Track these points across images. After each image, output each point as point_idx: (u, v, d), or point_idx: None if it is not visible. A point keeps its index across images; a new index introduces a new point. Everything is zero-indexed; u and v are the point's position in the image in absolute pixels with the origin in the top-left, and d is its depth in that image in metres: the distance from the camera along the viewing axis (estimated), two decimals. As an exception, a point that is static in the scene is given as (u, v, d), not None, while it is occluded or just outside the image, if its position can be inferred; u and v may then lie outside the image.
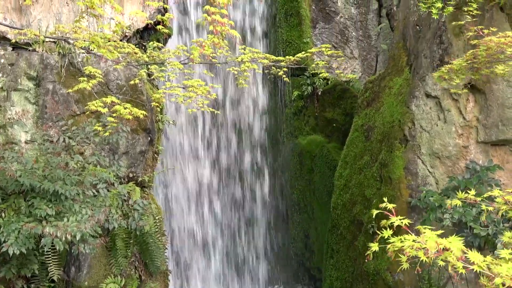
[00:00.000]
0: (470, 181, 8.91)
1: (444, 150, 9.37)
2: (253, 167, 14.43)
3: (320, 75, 8.83)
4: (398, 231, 4.13)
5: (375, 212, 4.22)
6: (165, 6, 6.50)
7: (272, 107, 14.39)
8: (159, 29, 7.19)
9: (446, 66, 8.02)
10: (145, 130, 10.01)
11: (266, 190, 14.58)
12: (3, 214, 7.84)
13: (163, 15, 9.50)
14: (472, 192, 5.00)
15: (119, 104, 7.03)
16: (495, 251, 7.79)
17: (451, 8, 7.84)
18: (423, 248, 3.45)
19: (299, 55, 8.26)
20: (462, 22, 8.32)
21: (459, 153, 9.35)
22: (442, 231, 3.95)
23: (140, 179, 10.05)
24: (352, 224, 10.83)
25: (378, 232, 3.93)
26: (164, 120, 10.89)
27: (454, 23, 8.87)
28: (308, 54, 8.41)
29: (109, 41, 6.76)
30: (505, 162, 9.38)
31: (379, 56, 14.13)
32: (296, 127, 14.10)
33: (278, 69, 8.40)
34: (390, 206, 3.99)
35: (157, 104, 9.14)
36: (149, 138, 10.11)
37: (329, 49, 8.55)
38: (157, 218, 10.04)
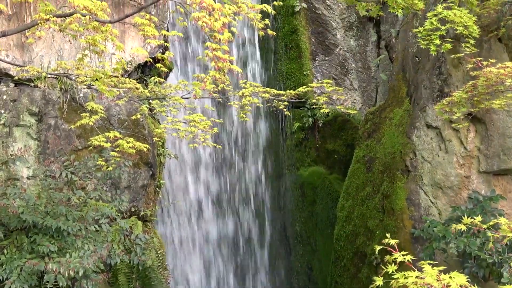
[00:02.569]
0: (474, 211, 8.89)
1: (446, 181, 9.37)
2: (254, 199, 14.39)
3: (321, 110, 8.87)
4: (402, 264, 4.12)
5: (377, 248, 4.21)
6: (166, 44, 6.59)
7: (273, 139, 14.41)
8: (159, 67, 7.26)
9: (447, 98, 8.07)
10: (146, 164, 10.02)
11: (268, 222, 14.52)
12: (5, 251, 7.81)
13: (164, 51, 9.60)
14: (479, 218, 5.00)
15: (121, 138, 7.06)
16: (501, 280, 7.74)
17: (449, 45, 7.91)
18: (426, 284, 3.43)
19: (300, 89, 8.32)
20: (461, 55, 8.39)
21: (461, 183, 9.35)
22: (445, 265, 3.93)
23: (142, 213, 10.03)
24: (355, 256, 10.78)
25: (382, 266, 3.91)
26: (165, 154, 10.90)
27: (453, 55, 8.95)
28: (309, 89, 8.47)
29: (110, 77, 6.82)
30: (507, 192, 9.37)
31: (379, 87, 14.21)
32: (298, 158, 14.11)
33: (279, 103, 8.45)
34: (393, 241, 3.97)
35: (158, 138, 9.17)
36: (150, 172, 10.12)
37: (330, 84, 8.62)
38: (159, 252, 9.99)
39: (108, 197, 9.35)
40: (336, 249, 11.43)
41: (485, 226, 4.99)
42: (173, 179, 12.91)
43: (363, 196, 10.82)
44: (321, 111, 8.97)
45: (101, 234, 8.70)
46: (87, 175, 9.29)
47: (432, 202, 9.48)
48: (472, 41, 7.99)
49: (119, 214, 9.38)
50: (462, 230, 5.34)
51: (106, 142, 7.13)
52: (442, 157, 9.42)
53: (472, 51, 8.31)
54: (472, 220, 4.97)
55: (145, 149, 7.01)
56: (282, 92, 8.38)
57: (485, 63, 7.19)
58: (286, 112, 8.44)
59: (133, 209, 9.90)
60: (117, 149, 7.15)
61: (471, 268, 8.40)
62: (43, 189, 8.99)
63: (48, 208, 8.28)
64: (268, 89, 8.25)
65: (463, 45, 8.13)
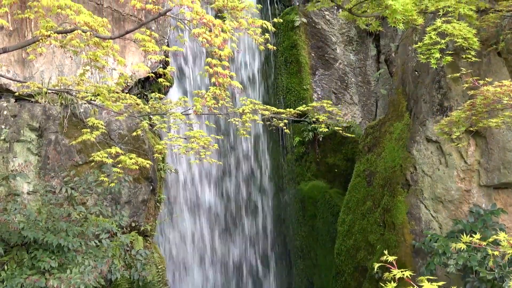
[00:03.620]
0: (475, 224, 8.88)
1: (447, 194, 9.36)
2: (255, 214, 14.36)
3: (321, 129, 8.90)
4: (402, 279, 4.11)
5: (377, 265, 4.21)
6: (167, 59, 6.62)
7: (274, 154, 14.41)
8: (161, 81, 7.28)
9: (446, 118, 8.07)
10: (147, 179, 10.02)
11: (269, 237, 14.48)
12: (5, 267, 7.78)
13: (164, 66, 9.63)
14: (477, 236, 4.98)
15: (123, 154, 7.07)
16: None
17: (449, 58, 7.93)
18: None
19: (300, 108, 8.35)
20: (457, 74, 8.41)
21: (462, 197, 9.33)
22: (447, 279, 3.93)
23: (142, 228, 10.02)
24: (356, 271, 10.74)
25: (382, 284, 3.91)
26: (165, 169, 10.90)
27: (450, 75, 8.99)
28: (309, 107, 8.50)
29: (113, 92, 6.84)
30: (508, 205, 9.36)
31: (379, 101, 14.23)
32: (298, 173, 14.10)
33: (279, 121, 8.47)
34: (391, 258, 3.97)
35: (159, 153, 9.17)
36: (151, 187, 10.12)
37: (330, 104, 8.64)
38: (159, 267, 9.97)
39: (109, 212, 9.34)
40: (337, 263, 11.40)
41: (484, 243, 4.98)
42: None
43: (363, 210, 10.80)
44: (321, 130, 8.99)
45: (102, 250, 8.68)
46: (87, 190, 9.28)
47: (433, 216, 9.46)
48: (472, 53, 8.01)
49: (119, 229, 9.37)
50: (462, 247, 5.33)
51: (108, 157, 7.14)
52: (442, 171, 9.41)
53: (472, 65, 8.34)
54: (471, 238, 4.96)
55: (147, 165, 7.02)
56: (282, 110, 8.40)
57: (481, 82, 7.20)
58: (286, 130, 8.45)
59: (133, 224, 9.88)
60: (120, 165, 7.17)
61: (473, 282, 8.36)
62: (44, 204, 8.99)
63: (49, 223, 8.27)
64: (268, 106, 8.27)
65: (463, 56, 8.15)
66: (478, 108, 7.23)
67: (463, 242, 5.11)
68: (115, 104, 6.54)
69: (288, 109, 8.39)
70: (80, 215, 8.81)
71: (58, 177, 9.39)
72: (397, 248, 9.57)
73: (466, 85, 7.82)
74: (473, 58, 8.06)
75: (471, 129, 8.02)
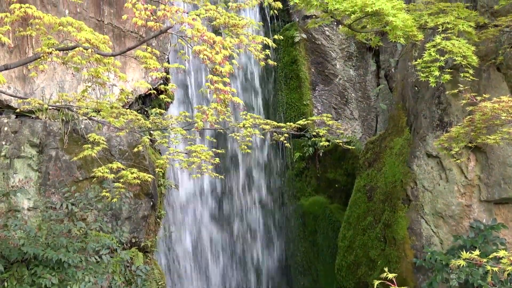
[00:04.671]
0: (476, 240, 8.87)
1: (447, 210, 9.36)
2: (254, 229, 14.34)
3: (321, 143, 8.91)
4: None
5: (376, 282, 4.22)
6: (168, 76, 6.64)
7: (274, 169, 14.42)
8: (162, 98, 7.32)
9: (445, 134, 8.09)
10: (147, 194, 10.01)
11: (268, 252, 14.44)
12: (5, 284, 7.76)
13: (165, 81, 9.66)
14: (476, 252, 4.98)
15: (124, 169, 7.08)
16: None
17: (448, 76, 7.96)
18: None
19: (300, 122, 8.36)
20: (456, 91, 8.43)
21: (463, 212, 9.33)
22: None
23: (142, 244, 10.00)
24: (357, 287, 10.71)
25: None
26: (166, 185, 10.90)
27: (448, 92, 9.02)
28: (309, 121, 8.51)
29: (117, 108, 6.87)
30: (508, 221, 9.35)
31: (379, 116, 14.26)
32: (298, 188, 14.09)
33: (279, 136, 8.48)
34: (391, 275, 3.97)
35: (159, 169, 9.17)
36: (151, 203, 10.11)
37: (330, 118, 8.66)
38: (159, 283, 9.94)
39: (109, 228, 9.33)
40: (338, 279, 11.36)
41: (485, 260, 4.97)
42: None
43: (364, 226, 10.79)
44: (321, 143, 9.00)
45: (102, 266, 8.66)
46: (87, 206, 9.28)
47: (433, 232, 9.45)
48: (471, 71, 8.04)
49: (119, 245, 9.35)
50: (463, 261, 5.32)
51: (110, 173, 7.16)
52: (443, 186, 9.42)
53: (470, 83, 8.37)
54: (471, 254, 4.95)
55: (149, 179, 7.03)
56: (282, 124, 8.41)
57: (479, 98, 7.22)
58: (286, 144, 8.46)
59: (133, 240, 9.87)
60: (122, 180, 7.17)
61: (475, 298, 8.35)
62: (44, 220, 8.98)
63: (49, 239, 8.26)
64: (268, 121, 8.28)
65: (462, 74, 8.18)
66: (477, 124, 7.24)
67: (462, 259, 5.11)
68: (117, 120, 6.56)
69: (288, 123, 8.41)
70: (81, 231, 8.80)
71: (58, 193, 9.39)
72: (398, 263, 9.56)
73: (464, 101, 7.84)
74: (471, 77, 8.09)
75: (470, 144, 8.03)
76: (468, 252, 5.11)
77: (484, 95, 7.42)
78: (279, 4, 7.74)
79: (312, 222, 13.62)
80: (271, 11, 7.69)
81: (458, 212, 9.33)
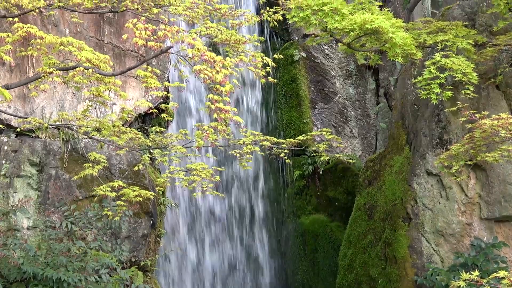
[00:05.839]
0: (477, 258, 8.85)
1: (448, 228, 9.35)
2: (254, 248, 14.29)
3: (321, 158, 8.91)
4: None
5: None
6: (168, 94, 6.68)
7: (274, 187, 14.40)
8: (164, 117, 7.34)
9: (445, 153, 8.10)
10: (147, 213, 10.00)
11: (268, 271, 14.38)
12: (4, 303, 7.74)
13: (165, 100, 9.69)
14: (476, 273, 4.96)
15: (125, 187, 7.09)
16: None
17: (449, 93, 7.99)
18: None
19: (300, 137, 8.37)
20: (455, 109, 8.45)
21: (463, 231, 9.32)
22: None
23: (142, 263, 9.97)
24: (358, 305, 10.66)
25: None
26: (166, 203, 10.89)
27: (447, 109, 9.05)
28: (308, 137, 8.53)
29: (118, 127, 6.89)
30: (509, 239, 9.34)
31: (379, 134, 14.27)
32: (298, 206, 14.06)
33: (279, 151, 8.49)
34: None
35: (159, 187, 9.16)
36: (151, 222, 10.09)
37: (329, 133, 8.67)
38: (160, 303, 9.89)
39: (108, 247, 9.30)
40: (339, 298, 11.31)
41: (485, 281, 4.95)
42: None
43: (365, 244, 10.76)
44: (321, 158, 9.00)
45: (101, 285, 8.62)
46: (87, 225, 9.27)
47: (434, 250, 9.43)
48: (471, 88, 8.07)
49: (119, 264, 9.32)
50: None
51: (111, 191, 7.16)
52: (443, 204, 9.41)
53: (470, 101, 8.39)
54: (470, 275, 4.93)
55: (151, 197, 7.03)
56: (282, 140, 8.43)
57: (478, 115, 7.24)
58: (287, 160, 8.47)
59: (133, 259, 9.84)
60: (123, 198, 7.17)
61: (476, 316, 8.30)
62: (43, 239, 8.97)
63: (48, 259, 8.23)
64: (268, 137, 8.30)
65: (463, 91, 8.21)
66: (476, 142, 7.25)
67: (463, 280, 5.08)
68: (119, 138, 6.59)
69: (288, 139, 8.42)
70: (80, 250, 8.77)
71: (58, 212, 9.38)
72: (399, 282, 9.52)
73: (463, 118, 7.86)
74: (472, 94, 8.12)
75: (470, 162, 8.04)
76: (468, 273, 5.09)
77: (483, 112, 7.44)
78: (279, 16, 7.81)
79: (312, 240, 13.57)
80: (271, 23, 7.75)
81: (458, 230, 9.31)
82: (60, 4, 5.88)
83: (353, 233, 11.31)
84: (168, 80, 11.33)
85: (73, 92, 9.99)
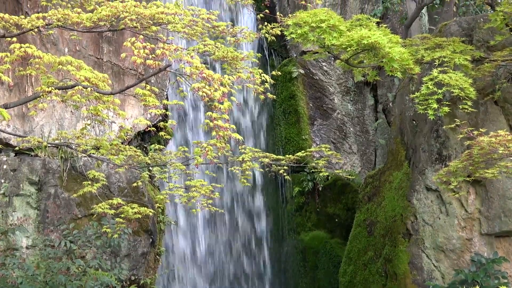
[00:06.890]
0: (477, 274, 8.81)
1: (448, 243, 9.32)
2: (254, 263, 14.23)
3: (321, 174, 8.91)
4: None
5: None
6: (167, 112, 6.71)
7: (273, 204, 14.37)
8: (162, 135, 7.35)
9: (444, 169, 8.10)
10: (146, 231, 9.97)
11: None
12: (3, 324, 7.69)
13: (164, 118, 9.71)
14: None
15: (124, 205, 7.08)
16: None
17: (447, 108, 8.01)
18: None
19: (299, 154, 8.38)
20: (453, 125, 8.47)
21: (464, 246, 9.30)
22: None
23: (142, 281, 9.92)
24: (359, 322, 10.61)
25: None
26: (165, 221, 10.86)
27: (445, 126, 9.07)
28: (307, 153, 8.53)
29: (117, 145, 6.90)
30: (510, 254, 9.32)
31: (378, 150, 14.28)
32: (298, 223, 14.02)
33: (278, 167, 8.49)
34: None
35: (159, 205, 9.15)
36: (150, 240, 10.06)
37: (328, 149, 8.68)
38: (159, 321, 9.83)
39: (108, 265, 9.27)
40: (340, 315, 11.26)
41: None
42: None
43: (365, 261, 10.72)
44: (321, 174, 9.00)
45: (101, 304, 8.58)
46: (86, 243, 9.23)
47: (434, 266, 9.40)
48: (469, 103, 8.09)
49: (118, 282, 9.26)
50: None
51: (110, 209, 7.15)
52: (443, 220, 9.40)
53: (468, 117, 8.41)
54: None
55: (150, 214, 7.02)
56: (281, 157, 8.43)
57: (476, 132, 7.26)
58: (286, 177, 8.47)
59: (133, 278, 9.79)
60: (122, 215, 7.16)
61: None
62: (42, 258, 8.92)
63: (47, 278, 8.19)
64: (267, 154, 8.30)
65: (460, 106, 8.23)
66: (475, 158, 7.26)
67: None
68: (116, 157, 6.59)
69: (287, 156, 8.42)
70: (79, 268, 8.73)
71: (57, 230, 9.35)
72: (400, 298, 9.49)
73: (461, 135, 7.87)
74: (470, 109, 8.13)
75: (469, 178, 8.05)
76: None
77: (481, 129, 7.45)
78: (277, 31, 7.84)
79: (312, 257, 13.53)
80: (269, 39, 7.77)
81: (459, 246, 9.29)
82: (59, 23, 5.90)
83: (353, 249, 11.28)
84: (166, 98, 11.35)
85: (71, 111, 10.00)
